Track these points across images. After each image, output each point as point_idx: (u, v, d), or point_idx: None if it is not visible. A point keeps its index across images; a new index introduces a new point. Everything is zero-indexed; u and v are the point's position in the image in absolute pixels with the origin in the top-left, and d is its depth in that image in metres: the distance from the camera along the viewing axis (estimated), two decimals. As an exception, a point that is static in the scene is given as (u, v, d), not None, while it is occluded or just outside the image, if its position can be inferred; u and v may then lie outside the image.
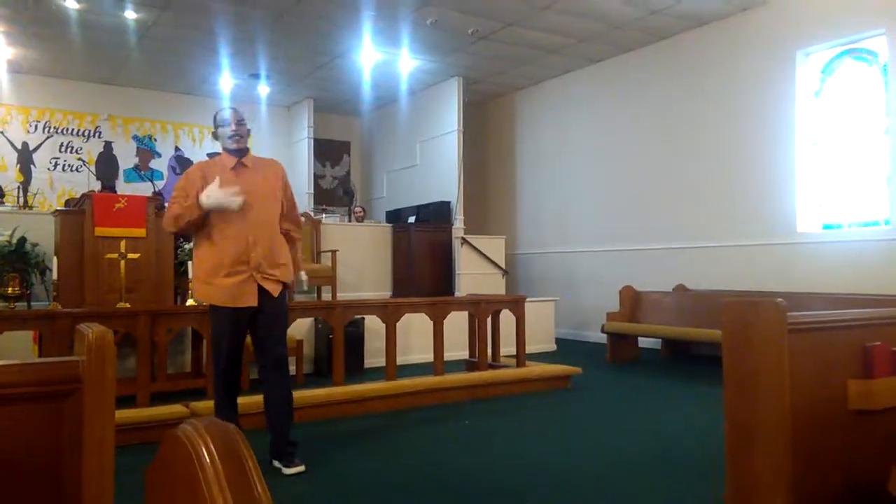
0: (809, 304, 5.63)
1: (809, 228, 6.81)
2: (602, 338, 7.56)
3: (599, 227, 8.96)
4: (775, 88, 7.02)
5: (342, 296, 7.63)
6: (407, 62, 8.92)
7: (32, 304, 6.08)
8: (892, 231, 6.11)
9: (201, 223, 3.36)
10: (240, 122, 3.41)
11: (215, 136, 3.49)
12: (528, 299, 6.28)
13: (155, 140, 10.35)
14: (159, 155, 10.40)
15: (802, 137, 6.85)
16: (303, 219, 3.96)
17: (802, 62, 6.88)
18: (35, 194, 9.30)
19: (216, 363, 3.56)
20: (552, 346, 8.06)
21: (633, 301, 7.52)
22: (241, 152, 3.43)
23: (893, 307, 2.96)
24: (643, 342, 7.69)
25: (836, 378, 2.03)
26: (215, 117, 3.48)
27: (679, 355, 7.56)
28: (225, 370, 3.52)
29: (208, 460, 0.76)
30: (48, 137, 9.54)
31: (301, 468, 3.49)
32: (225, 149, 3.44)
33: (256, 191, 3.38)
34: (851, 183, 6.61)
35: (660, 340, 7.64)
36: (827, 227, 6.77)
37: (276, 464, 3.55)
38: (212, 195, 3.25)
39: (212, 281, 3.39)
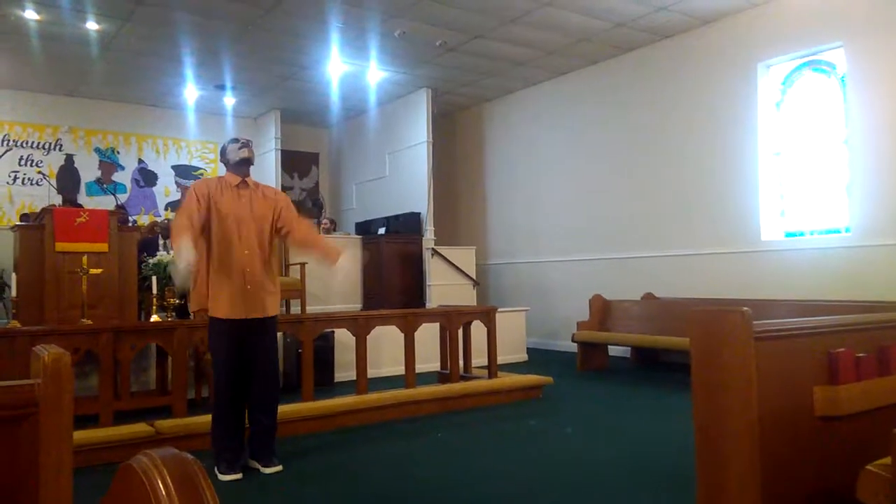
0: (773, 312, 5.73)
1: (772, 236, 6.94)
2: (573, 346, 7.59)
3: (569, 236, 9.02)
4: (738, 100, 7.16)
5: (311, 309, 7.55)
6: (375, 74, 8.91)
7: (-10, 322, 5.90)
8: (853, 238, 6.25)
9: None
10: (246, 139, 3.89)
11: (224, 157, 3.85)
12: (499, 310, 6.28)
13: (118, 152, 10.17)
14: (122, 168, 10.21)
15: (765, 147, 7.00)
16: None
17: (764, 74, 7.03)
18: (-7, 209, 9.06)
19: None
20: (523, 356, 8.07)
21: (602, 310, 7.58)
22: (245, 174, 3.82)
23: (856, 313, 3.02)
24: (613, 350, 7.74)
25: (802, 385, 2.05)
26: (230, 144, 3.84)
27: (648, 363, 7.63)
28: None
29: (164, 493, 0.73)
30: (7, 150, 9.30)
31: (279, 468, 3.69)
32: (237, 162, 3.77)
33: (255, 208, 3.73)
34: (813, 191, 6.76)
35: (629, 348, 7.71)
36: (789, 234, 6.91)
37: (254, 464, 3.73)
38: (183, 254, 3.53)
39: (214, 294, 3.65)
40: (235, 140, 3.83)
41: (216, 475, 3.57)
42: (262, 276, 3.70)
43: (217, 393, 3.75)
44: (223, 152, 3.87)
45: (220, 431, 3.68)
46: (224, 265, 3.62)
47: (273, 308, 3.78)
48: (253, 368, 3.74)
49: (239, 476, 3.60)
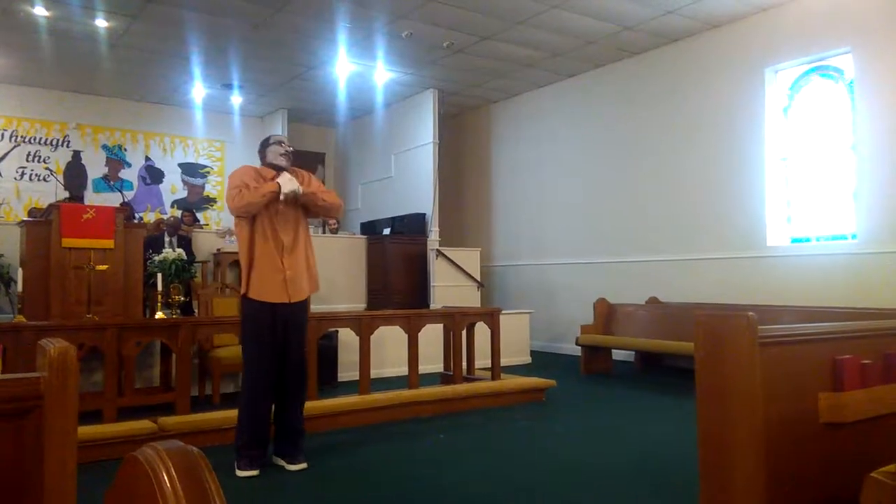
0: (779, 318, 5.71)
1: (779, 242, 6.92)
2: (576, 350, 7.58)
3: (574, 239, 9.01)
4: (745, 105, 7.14)
5: (315, 308, 7.53)
6: (382, 74, 8.92)
7: (-4, 316, 5.93)
8: (859, 245, 6.23)
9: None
10: (289, 146, 4.01)
11: (262, 153, 3.95)
12: (503, 312, 6.27)
13: (125, 150, 10.20)
14: (129, 165, 10.25)
15: (772, 153, 6.98)
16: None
17: (771, 79, 7.02)
18: (1, 204, 9.10)
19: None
20: (527, 359, 8.06)
21: (606, 313, 7.56)
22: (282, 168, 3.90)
23: (861, 320, 3.01)
24: (617, 354, 7.73)
25: (807, 391, 2.05)
26: (269, 138, 4.02)
27: (652, 367, 7.61)
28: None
29: (168, 485, 0.73)
30: (15, 146, 9.35)
31: (304, 465, 3.73)
32: (271, 164, 3.88)
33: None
34: (819, 197, 6.74)
35: (633, 352, 7.69)
36: (796, 240, 6.89)
37: (278, 460, 3.77)
38: (287, 183, 3.73)
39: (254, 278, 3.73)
40: (280, 143, 3.93)
41: (235, 471, 3.59)
42: (301, 263, 3.81)
43: (248, 384, 3.73)
44: (264, 145, 3.96)
45: (246, 426, 3.67)
46: (265, 253, 3.71)
47: (308, 289, 3.87)
48: (286, 358, 3.76)
49: (256, 473, 3.61)
